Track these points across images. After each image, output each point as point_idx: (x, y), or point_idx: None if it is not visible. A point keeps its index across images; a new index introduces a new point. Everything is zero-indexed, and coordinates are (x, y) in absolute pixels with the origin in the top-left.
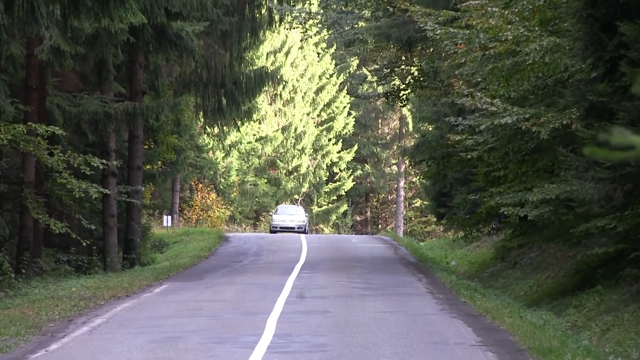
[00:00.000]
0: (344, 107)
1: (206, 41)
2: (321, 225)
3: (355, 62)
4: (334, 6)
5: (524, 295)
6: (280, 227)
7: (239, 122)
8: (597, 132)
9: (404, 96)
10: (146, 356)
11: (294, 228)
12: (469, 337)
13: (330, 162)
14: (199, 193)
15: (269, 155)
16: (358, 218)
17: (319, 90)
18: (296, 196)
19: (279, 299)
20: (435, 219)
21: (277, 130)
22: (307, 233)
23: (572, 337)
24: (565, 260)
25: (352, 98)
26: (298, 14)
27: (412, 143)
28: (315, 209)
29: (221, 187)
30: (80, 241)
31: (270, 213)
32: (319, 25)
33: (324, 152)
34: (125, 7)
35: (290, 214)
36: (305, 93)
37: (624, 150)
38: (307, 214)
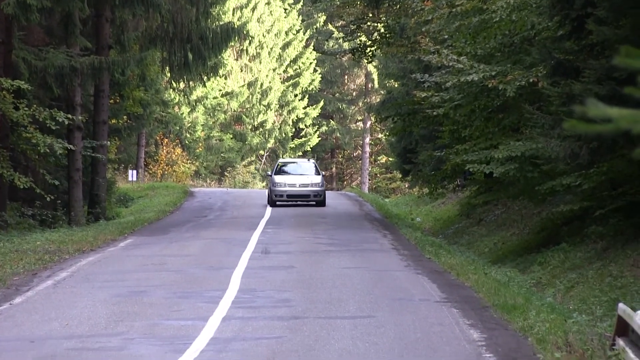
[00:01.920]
0: (310, 63)
1: None
2: None
3: (322, 19)
4: None
5: (488, 252)
6: (288, 196)
7: (205, 77)
8: (563, 90)
9: (370, 53)
10: (110, 310)
11: (308, 197)
12: (433, 294)
13: (296, 118)
14: (164, 148)
15: (234, 111)
16: (324, 173)
17: (286, 46)
18: (262, 152)
19: (244, 254)
20: (400, 176)
21: (243, 85)
22: (324, 205)
23: (537, 294)
24: (530, 218)
25: (319, 54)
26: None
27: (378, 100)
28: None
29: (187, 142)
30: (44, 196)
31: (268, 173)
32: None
33: (290, 108)
34: None
35: (299, 174)
36: (271, 49)
37: (603, 123)
38: (322, 173)
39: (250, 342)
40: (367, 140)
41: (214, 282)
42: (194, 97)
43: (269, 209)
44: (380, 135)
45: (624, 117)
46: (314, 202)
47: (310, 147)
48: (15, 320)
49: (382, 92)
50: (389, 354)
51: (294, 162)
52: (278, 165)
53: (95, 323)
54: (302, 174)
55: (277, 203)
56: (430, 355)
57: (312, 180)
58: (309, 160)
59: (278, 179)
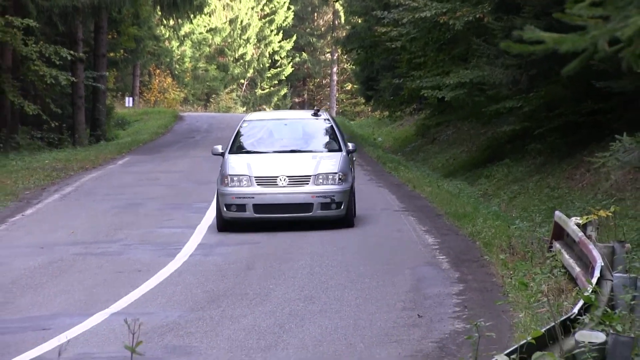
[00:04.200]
0: (284, 2)
1: None
2: (264, 106)
3: None
4: None
5: (441, 167)
6: (257, 207)
7: (192, 15)
8: (506, 24)
9: None
10: (110, 220)
11: (309, 208)
12: (393, 204)
13: (272, 51)
14: (156, 77)
15: (218, 45)
16: (297, 100)
17: None
18: (242, 80)
19: None
20: (364, 101)
21: (225, 22)
22: (352, 223)
23: (484, 203)
24: (477, 137)
25: None
26: None
27: (344, 34)
28: (259, 91)
29: (176, 72)
30: (50, 122)
31: (219, 151)
32: None
33: (267, 42)
34: None
35: (289, 150)
36: None
37: (536, 44)
38: (349, 147)
39: (233, 247)
40: (335, 69)
41: (201, 195)
42: (182, 32)
43: None
44: (346, 66)
45: (552, 39)
46: (329, 218)
47: (285, 76)
48: (27, 229)
49: (348, 28)
50: (355, 256)
51: (278, 121)
52: (240, 130)
53: (97, 231)
54: (295, 150)
55: (233, 223)
56: (390, 257)
57: (320, 167)
58: (317, 113)
59: (235, 164)
